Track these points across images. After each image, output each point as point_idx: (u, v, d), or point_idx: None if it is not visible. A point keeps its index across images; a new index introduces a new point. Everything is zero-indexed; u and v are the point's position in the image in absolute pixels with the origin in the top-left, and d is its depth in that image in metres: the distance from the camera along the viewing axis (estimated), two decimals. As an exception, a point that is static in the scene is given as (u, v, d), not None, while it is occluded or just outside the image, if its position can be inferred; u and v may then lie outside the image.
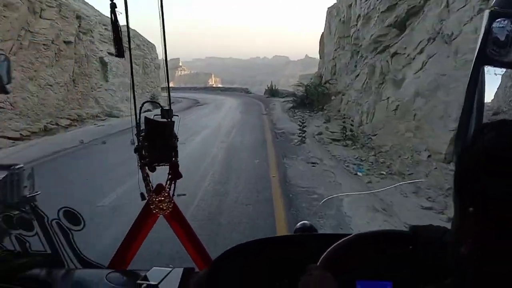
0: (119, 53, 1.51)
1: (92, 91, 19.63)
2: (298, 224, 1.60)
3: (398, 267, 1.09)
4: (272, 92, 37.87)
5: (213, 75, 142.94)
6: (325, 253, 1.08)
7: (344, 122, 13.13)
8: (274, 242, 1.38)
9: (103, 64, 20.85)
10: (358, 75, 15.34)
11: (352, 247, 1.12)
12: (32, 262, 1.48)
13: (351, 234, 1.17)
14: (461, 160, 0.72)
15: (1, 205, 1.62)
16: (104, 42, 21.16)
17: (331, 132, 13.33)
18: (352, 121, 13.25)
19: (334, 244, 1.11)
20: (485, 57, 1.19)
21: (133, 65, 25.15)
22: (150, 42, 30.85)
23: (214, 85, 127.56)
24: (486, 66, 1.20)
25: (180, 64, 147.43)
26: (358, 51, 16.00)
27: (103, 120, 18.90)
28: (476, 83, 1.23)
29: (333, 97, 18.49)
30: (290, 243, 1.39)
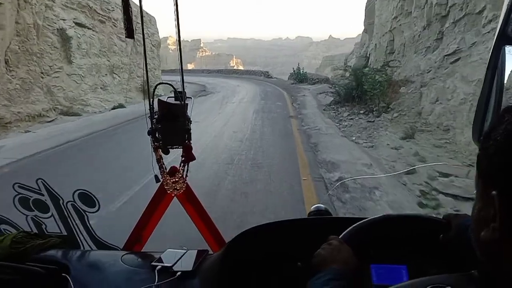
0: (129, 34, 1.48)
1: (43, 77, 13.43)
2: (313, 207, 1.56)
3: (418, 253, 1.09)
4: (299, 77, 31.05)
5: (234, 57, 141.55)
6: (349, 228, 1.09)
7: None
8: (287, 225, 1.37)
9: (65, 39, 14.67)
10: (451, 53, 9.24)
11: (378, 227, 1.12)
12: (48, 243, 1.50)
13: (365, 217, 1.16)
14: (484, 142, 0.68)
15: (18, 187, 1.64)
16: (70, 9, 15.10)
17: (447, 178, 5.94)
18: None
19: (361, 221, 1.12)
20: (507, 37, 1.15)
21: (119, 41, 19.10)
22: (148, 14, 24.68)
23: (235, 67, 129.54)
24: (508, 46, 1.17)
25: (202, 45, 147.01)
26: (445, 15, 10.25)
27: (51, 121, 12.78)
28: (496, 63, 1.19)
29: (402, 89, 11.65)
30: (303, 226, 1.39)
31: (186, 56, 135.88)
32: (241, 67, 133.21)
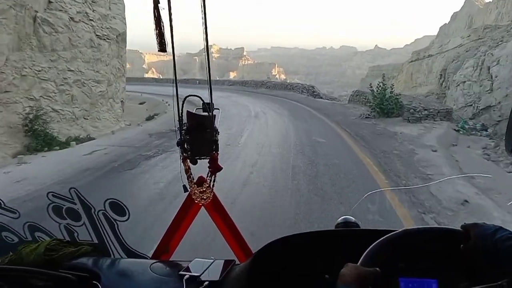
0: (161, 48, 1.52)
1: None
2: (340, 218, 1.60)
3: (446, 266, 1.09)
4: (383, 104, 16.87)
5: (276, 65, 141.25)
6: (366, 252, 1.07)
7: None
8: (315, 237, 1.40)
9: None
10: None
11: (398, 243, 1.11)
12: (80, 251, 1.55)
13: (394, 230, 1.15)
14: None
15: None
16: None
17: None
18: None
19: (381, 239, 1.10)
20: None
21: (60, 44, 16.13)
22: (120, 2, 20.71)
23: (277, 76, 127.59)
24: None
25: (245, 53, 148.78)
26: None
27: None
28: None
29: None
30: (331, 238, 1.40)
31: (228, 64, 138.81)
32: (283, 76, 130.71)
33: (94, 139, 15.06)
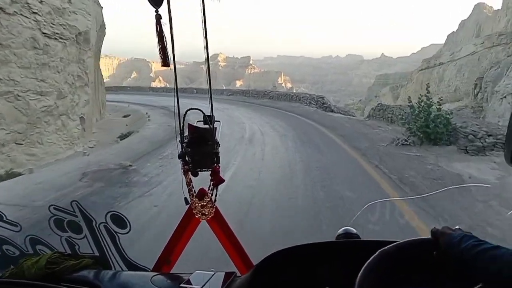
0: (165, 63, 1.52)
1: None
2: (341, 229, 1.56)
3: (426, 275, 1.10)
4: (428, 128, 11.75)
5: (282, 74, 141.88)
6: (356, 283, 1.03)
7: None
8: (315, 248, 1.39)
9: None
10: None
11: (379, 265, 1.10)
12: (81, 264, 1.53)
13: (395, 241, 1.15)
14: None
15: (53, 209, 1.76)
16: None
17: None
18: None
19: (362, 270, 1.06)
20: None
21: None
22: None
23: (283, 84, 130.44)
24: None
25: (251, 62, 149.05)
26: None
27: None
28: None
29: None
30: (331, 249, 1.41)
31: (235, 72, 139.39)
32: (289, 84, 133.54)
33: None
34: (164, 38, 1.49)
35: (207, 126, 1.68)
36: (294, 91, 53.27)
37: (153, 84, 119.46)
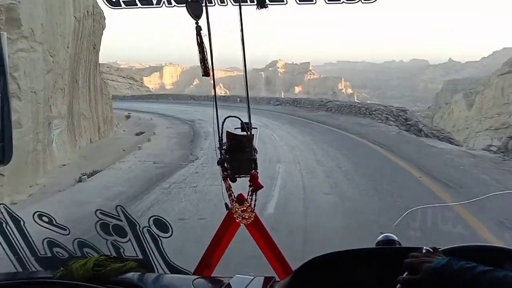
0: (205, 73, 1.67)
1: None
2: (381, 236, 1.52)
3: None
4: None
5: (343, 80, 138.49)
6: None
7: None
8: (355, 254, 1.38)
9: None
10: None
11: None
12: (126, 266, 1.59)
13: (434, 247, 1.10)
14: None
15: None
16: None
17: None
18: None
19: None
20: None
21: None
22: None
23: (343, 90, 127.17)
24: None
25: (310, 68, 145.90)
26: None
27: None
28: None
29: None
30: (370, 256, 1.39)
31: (294, 79, 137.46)
32: (350, 90, 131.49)
33: None
34: (205, 49, 1.61)
35: (244, 133, 1.73)
36: (356, 97, 46.96)
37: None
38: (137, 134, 22.04)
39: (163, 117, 27.54)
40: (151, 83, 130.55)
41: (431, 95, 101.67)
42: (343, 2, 1.48)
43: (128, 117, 29.69)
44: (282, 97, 59.83)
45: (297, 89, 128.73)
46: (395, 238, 1.50)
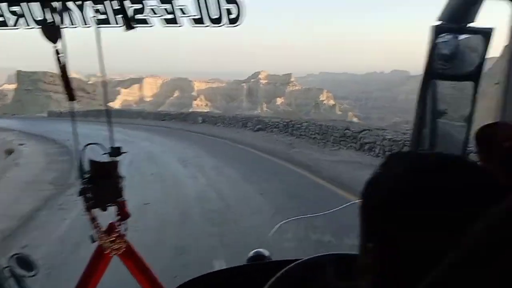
0: (71, 98, 1.56)
1: None
2: (252, 252, 1.55)
3: None
4: None
5: (325, 91, 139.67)
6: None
7: None
8: (226, 274, 1.38)
9: None
10: None
11: (282, 286, 1.04)
12: None
13: (301, 258, 1.05)
14: (365, 191, 0.67)
15: None
16: None
17: None
18: None
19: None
20: (432, 71, 1.25)
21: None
22: None
23: (325, 101, 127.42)
24: (434, 79, 1.26)
25: (292, 79, 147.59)
26: None
27: None
28: (425, 96, 1.28)
29: None
30: (242, 274, 1.37)
31: (276, 90, 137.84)
32: (331, 101, 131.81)
33: None
34: (67, 72, 1.48)
35: (109, 159, 1.64)
36: (337, 109, 46.79)
37: (194, 103, 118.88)
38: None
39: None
40: (129, 95, 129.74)
41: (411, 106, 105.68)
42: (207, 26, 1.34)
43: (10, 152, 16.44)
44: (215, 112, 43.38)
45: (279, 100, 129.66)
46: (266, 253, 1.52)
